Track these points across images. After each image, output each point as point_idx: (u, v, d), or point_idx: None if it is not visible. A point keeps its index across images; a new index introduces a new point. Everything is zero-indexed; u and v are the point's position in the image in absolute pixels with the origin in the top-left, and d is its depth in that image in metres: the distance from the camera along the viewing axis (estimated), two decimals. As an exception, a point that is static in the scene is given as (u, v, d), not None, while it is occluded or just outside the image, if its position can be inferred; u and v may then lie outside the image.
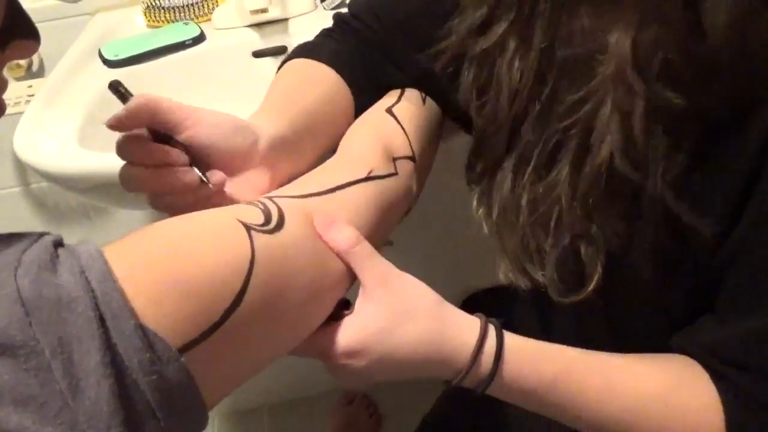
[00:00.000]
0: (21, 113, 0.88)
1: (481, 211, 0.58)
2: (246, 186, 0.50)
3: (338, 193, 0.49)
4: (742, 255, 0.45)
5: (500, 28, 0.50)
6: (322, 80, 0.60)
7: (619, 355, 0.51)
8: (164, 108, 0.46)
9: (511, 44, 0.50)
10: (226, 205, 0.45)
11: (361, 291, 0.47)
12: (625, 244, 0.47)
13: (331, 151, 0.57)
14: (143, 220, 1.22)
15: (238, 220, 0.39)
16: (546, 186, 0.50)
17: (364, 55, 0.63)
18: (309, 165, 0.55)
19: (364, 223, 0.49)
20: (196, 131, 0.47)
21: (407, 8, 0.62)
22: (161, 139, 0.46)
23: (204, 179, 0.46)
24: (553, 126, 0.49)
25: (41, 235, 0.31)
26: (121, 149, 0.45)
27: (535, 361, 0.49)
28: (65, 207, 1.21)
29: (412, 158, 0.58)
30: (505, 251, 0.55)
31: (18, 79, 1.05)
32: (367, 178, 0.51)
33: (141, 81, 0.91)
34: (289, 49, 0.90)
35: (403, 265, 0.49)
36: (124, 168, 0.46)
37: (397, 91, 0.64)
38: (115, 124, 0.45)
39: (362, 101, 0.62)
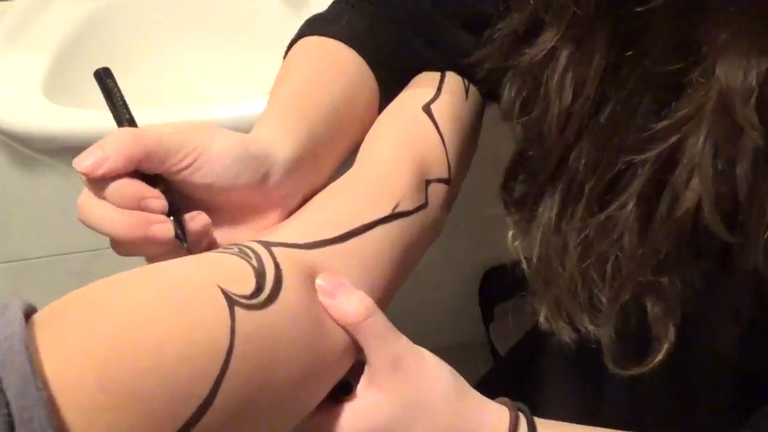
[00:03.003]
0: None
1: (518, 242, 0.51)
2: (247, 234, 0.43)
3: (353, 240, 0.43)
4: None
5: (550, 36, 0.43)
6: (342, 66, 0.52)
7: None
8: (162, 146, 0.39)
9: (563, 54, 0.43)
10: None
11: (367, 372, 0.41)
12: (703, 307, 0.42)
13: (351, 154, 0.51)
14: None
15: (220, 289, 0.33)
16: (601, 224, 0.44)
17: (390, 31, 0.55)
18: (325, 182, 0.48)
19: (380, 276, 0.44)
20: (194, 169, 0.40)
21: None
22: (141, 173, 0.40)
23: (180, 236, 0.39)
24: (616, 156, 0.43)
25: None
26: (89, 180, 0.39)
27: None
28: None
29: (447, 180, 0.51)
30: (547, 295, 0.49)
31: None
32: (391, 216, 0.45)
33: (119, 17, 0.83)
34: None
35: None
36: (84, 197, 0.39)
37: (435, 76, 0.55)
38: (96, 177, 0.37)
39: (388, 89, 0.54)
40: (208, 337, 0.31)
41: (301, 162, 0.45)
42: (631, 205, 0.41)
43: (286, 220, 0.45)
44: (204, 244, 0.41)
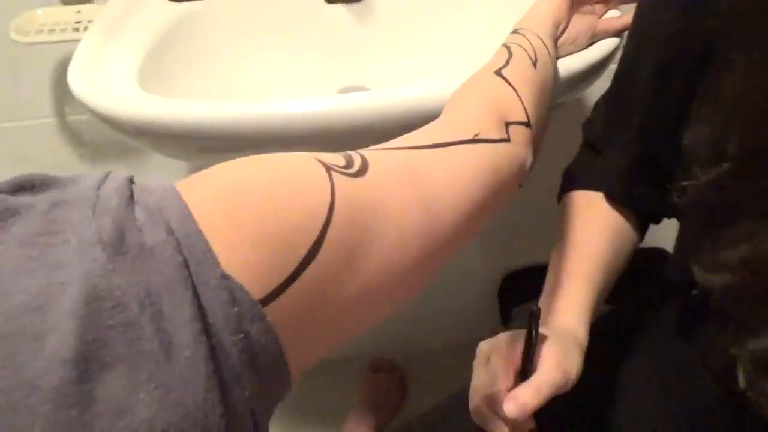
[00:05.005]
0: (64, 41, 0.83)
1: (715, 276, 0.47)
2: None
3: (440, 150, 0.42)
4: None
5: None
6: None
7: None
8: None
9: None
10: None
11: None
12: None
13: None
14: (182, 165, 1.15)
15: (318, 160, 0.35)
16: None
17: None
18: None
19: (472, 189, 0.42)
20: None
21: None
22: None
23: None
24: None
25: (108, 173, 0.28)
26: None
27: None
28: (102, 143, 1.14)
29: (527, 124, 0.51)
30: (753, 349, 0.42)
31: (65, 3, 0.95)
32: (473, 140, 0.45)
33: (202, 20, 0.84)
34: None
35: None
36: (481, 407, 0.53)
37: (505, 52, 0.57)
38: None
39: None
40: (315, 191, 0.32)
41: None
42: None
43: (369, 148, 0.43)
44: None
